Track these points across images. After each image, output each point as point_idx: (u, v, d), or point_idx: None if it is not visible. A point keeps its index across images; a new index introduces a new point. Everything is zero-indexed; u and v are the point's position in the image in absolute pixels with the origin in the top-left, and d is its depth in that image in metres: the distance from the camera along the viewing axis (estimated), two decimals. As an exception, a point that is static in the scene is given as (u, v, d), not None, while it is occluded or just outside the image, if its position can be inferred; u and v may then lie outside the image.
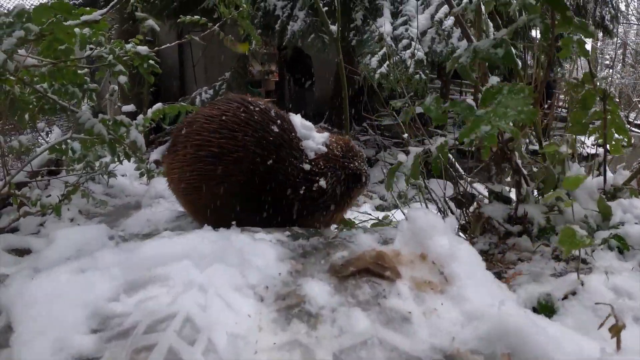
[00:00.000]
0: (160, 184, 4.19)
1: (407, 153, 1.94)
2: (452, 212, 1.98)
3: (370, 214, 3.71)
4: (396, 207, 6.35)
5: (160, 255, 1.47)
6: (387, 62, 5.48)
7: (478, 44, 1.46)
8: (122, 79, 3.54)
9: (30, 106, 3.64)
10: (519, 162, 1.78)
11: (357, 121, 12.96)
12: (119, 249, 1.63)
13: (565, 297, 1.32)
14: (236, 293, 1.32)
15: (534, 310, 1.31)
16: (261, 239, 1.73)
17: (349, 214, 3.75)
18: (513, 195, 1.84)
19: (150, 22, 3.28)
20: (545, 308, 1.30)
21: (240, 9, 4.22)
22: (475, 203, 1.81)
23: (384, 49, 5.59)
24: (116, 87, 9.86)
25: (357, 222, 3.44)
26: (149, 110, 4.08)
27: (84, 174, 4.61)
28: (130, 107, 7.63)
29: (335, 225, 2.79)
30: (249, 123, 2.43)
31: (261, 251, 1.57)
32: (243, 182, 2.36)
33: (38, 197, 2.96)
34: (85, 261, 1.50)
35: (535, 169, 1.94)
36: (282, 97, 13.15)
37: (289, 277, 1.42)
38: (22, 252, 2.61)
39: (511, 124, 1.22)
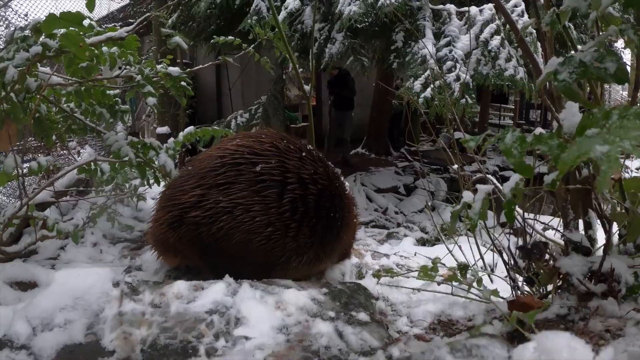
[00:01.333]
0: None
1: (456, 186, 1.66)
2: (516, 265, 1.68)
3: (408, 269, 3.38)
4: (438, 240, 6.04)
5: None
6: (432, 86, 5.21)
7: (578, 56, 1.19)
8: (151, 100, 3.38)
9: (59, 125, 3.52)
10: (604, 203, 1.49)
11: (395, 147, 12.70)
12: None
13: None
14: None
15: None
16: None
17: (390, 260, 3.47)
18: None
19: (177, 39, 3.12)
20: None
21: (276, 30, 4.04)
22: (546, 253, 1.52)
23: (428, 72, 5.33)
24: (153, 109, 9.94)
25: (397, 267, 3.16)
26: (180, 134, 3.90)
27: (112, 195, 4.46)
28: (164, 129, 7.56)
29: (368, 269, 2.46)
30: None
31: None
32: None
33: (55, 221, 2.78)
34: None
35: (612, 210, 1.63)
36: (319, 121, 12.98)
37: None
38: (26, 285, 2.41)
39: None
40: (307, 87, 3.95)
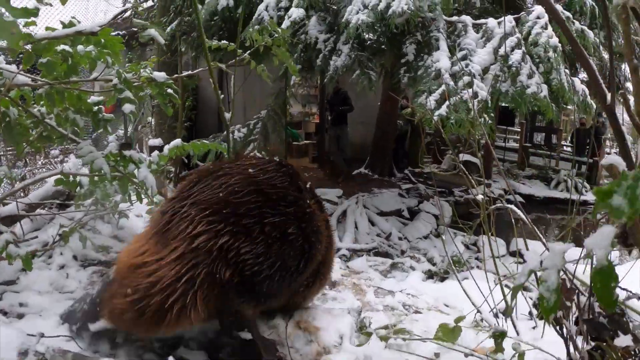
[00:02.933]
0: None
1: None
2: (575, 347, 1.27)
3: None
4: (447, 272, 5.62)
5: None
6: (447, 102, 4.82)
7: None
8: (128, 107, 3.01)
9: (31, 131, 3.16)
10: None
11: (399, 168, 12.34)
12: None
13: None
14: None
15: None
16: None
17: (396, 299, 3.09)
18: None
19: (152, 31, 2.74)
20: None
21: (276, 35, 3.68)
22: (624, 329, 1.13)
23: (443, 87, 4.94)
24: (150, 119, 9.61)
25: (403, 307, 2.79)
26: (166, 147, 3.53)
27: (91, 211, 4.08)
28: (157, 142, 7.21)
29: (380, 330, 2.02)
30: None
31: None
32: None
33: (6, 242, 2.38)
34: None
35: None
36: (322, 139, 12.64)
37: None
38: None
39: None
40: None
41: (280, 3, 6.53)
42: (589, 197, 13.99)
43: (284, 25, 6.01)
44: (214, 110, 11.44)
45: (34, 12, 2.32)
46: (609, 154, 17.06)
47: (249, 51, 3.67)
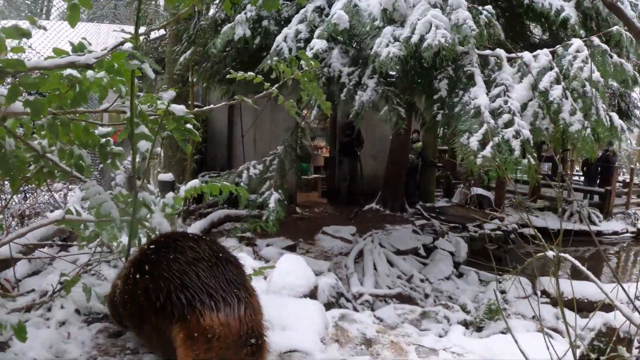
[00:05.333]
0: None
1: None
2: None
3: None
4: (483, 321, 5.16)
5: None
6: (491, 143, 4.43)
7: None
8: (144, 145, 2.67)
9: (28, 167, 2.81)
10: None
11: (410, 203, 11.98)
12: None
13: None
14: None
15: None
16: None
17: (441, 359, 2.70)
18: None
19: (145, 65, 2.37)
20: None
21: (306, 68, 3.35)
22: None
23: (485, 127, 4.56)
24: (159, 150, 9.28)
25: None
26: (182, 188, 3.17)
27: (96, 254, 3.71)
28: (168, 177, 6.86)
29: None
30: None
31: None
32: None
33: None
34: None
35: None
36: (332, 174, 12.32)
37: None
38: None
39: None
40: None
41: (300, 34, 6.26)
42: (603, 227, 13.66)
43: (305, 57, 5.71)
44: (224, 143, 11.17)
45: (27, 34, 2.00)
46: (621, 182, 16.74)
47: (277, 85, 3.34)
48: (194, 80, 8.59)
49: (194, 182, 3.14)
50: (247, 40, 6.94)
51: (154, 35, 10.57)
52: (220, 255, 2.32)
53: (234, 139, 11.10)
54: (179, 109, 2.72)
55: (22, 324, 2.00)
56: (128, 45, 2.50)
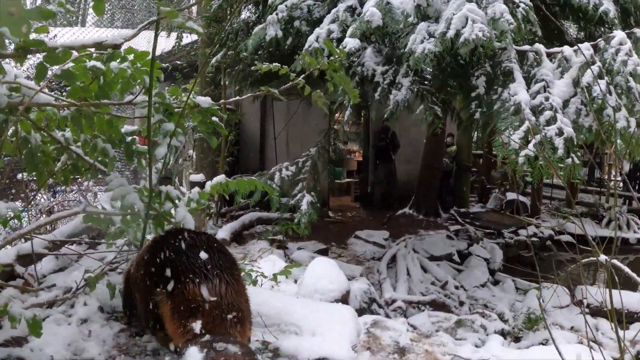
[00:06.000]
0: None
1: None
2: None
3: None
4: (521, 330, 4.92)
5: None
6: (534, 141, 4.22)
7: None
8: (180, 139, 2.59)
9: (53, 161, 2.76)
10: None
11: (444, 208, 11.71)
12: None
13: None
14: None
15: None
16: None
17: None
18: None
19: (190, 23, 2.31)
20: None
21: (332, 57, 3.25)
22: None
23: (527, 124, 4.34)
24: (191, 152, 9.30)
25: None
26: (208, 184, 3.08)
27: (122, 252, 3.65)
28: (199, 177, 6.83)
29: None
30: None
31: None
32: None
33: (4, 302, 1.92)
34: None
35: None
36: (365, 178, 12.17)
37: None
38: None
39: None
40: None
41: (332, 34, 6.15)
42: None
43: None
44: (256, 146, 11.15)
45: (51, 14, 1.93)
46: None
47: (302, 75, 3.24)
48: (226, 82, 8.58)
49: (220, 178, 3.06)
50: (278, 41, 6.86)
51: (186, 40, 10.63)
52: (215, 246, 2.51)
53: (266, 142, 11.08)
54: (204, 100, 2.63)
55: (37, 319, 1.93)
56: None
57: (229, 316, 2.25)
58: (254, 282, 3.88)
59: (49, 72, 2.23)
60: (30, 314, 1.93)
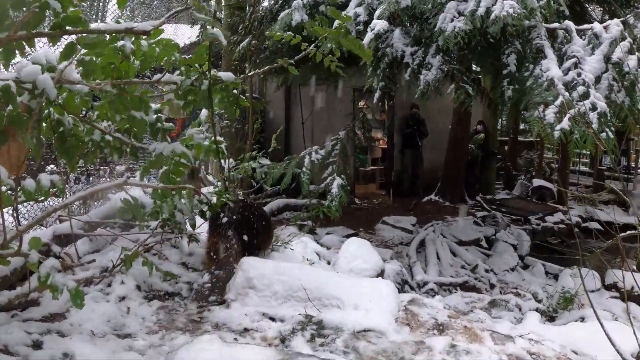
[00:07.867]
0: (253, 267, 3.05)
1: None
2: None
3: None
4: (556, 311, 4.85)
5: None
6: (568, 115, 4.12)
7: None
8: (204, 113, 2.60)
9: (86, 144, 2.78)
10: None
11: (470, 195, 11.60)
12: None
13: None
14: None
15: None
16: None
17: (518, 346, 2.50)
18: None
19: (217, 31, 2.37)
20: None
21: (337, 24, 3.36)
22: None
23: (561, 98, 4.25)
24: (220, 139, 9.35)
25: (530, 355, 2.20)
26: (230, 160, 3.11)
27: (157, 233, 3.68)
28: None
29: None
30: None
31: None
32: None
33: (46, 273, 1.94)
34: None
35: None
36: (390, 165, 12.09)
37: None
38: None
39: None
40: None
41: (359, 17, 6.08)
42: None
43: (366, 39, 5.52)
44: (282, 135, 11.15)
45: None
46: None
47: (314, 44, 3.35)
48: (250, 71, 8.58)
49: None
50: (304, 26, 6.82)
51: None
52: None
53: (291, 128, 11.08)
54: (227, 76, 2.66)
55: (79, 289, 1.95)
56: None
57: None
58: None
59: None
60: (73, 284, 1.96)
